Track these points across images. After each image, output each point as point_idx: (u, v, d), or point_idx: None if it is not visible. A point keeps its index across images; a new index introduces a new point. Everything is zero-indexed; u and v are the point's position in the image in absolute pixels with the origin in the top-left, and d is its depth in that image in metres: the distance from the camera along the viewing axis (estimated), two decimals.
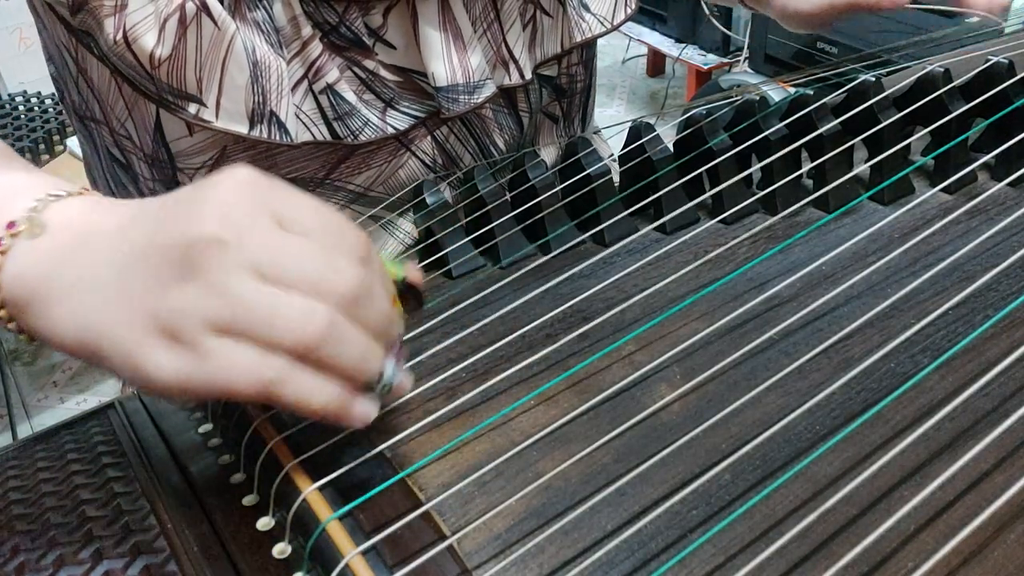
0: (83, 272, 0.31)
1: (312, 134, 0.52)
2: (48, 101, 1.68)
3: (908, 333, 0.38)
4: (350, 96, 0.52)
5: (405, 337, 0.39)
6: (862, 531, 0.32)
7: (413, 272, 0.38)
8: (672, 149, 0.51)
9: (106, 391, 1.89)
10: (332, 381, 0.31)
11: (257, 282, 0.29)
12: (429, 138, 0.57)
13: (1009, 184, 0.51)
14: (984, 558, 0.31)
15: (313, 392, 0.30)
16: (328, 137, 0.53)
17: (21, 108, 1.64)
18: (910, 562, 0.31)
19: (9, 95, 1.72)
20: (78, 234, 0.33)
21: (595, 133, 0.74)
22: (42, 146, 1.51)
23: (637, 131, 0.51)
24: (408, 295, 0.38)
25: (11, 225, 0.33)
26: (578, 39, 0.60)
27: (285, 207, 0.31)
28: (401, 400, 0.37)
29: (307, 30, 0.50)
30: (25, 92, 1.71)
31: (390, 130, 0.54)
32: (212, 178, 0.31)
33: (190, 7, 0.45)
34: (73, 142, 1.52)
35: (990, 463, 0.34)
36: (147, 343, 0.30)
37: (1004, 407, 0.37)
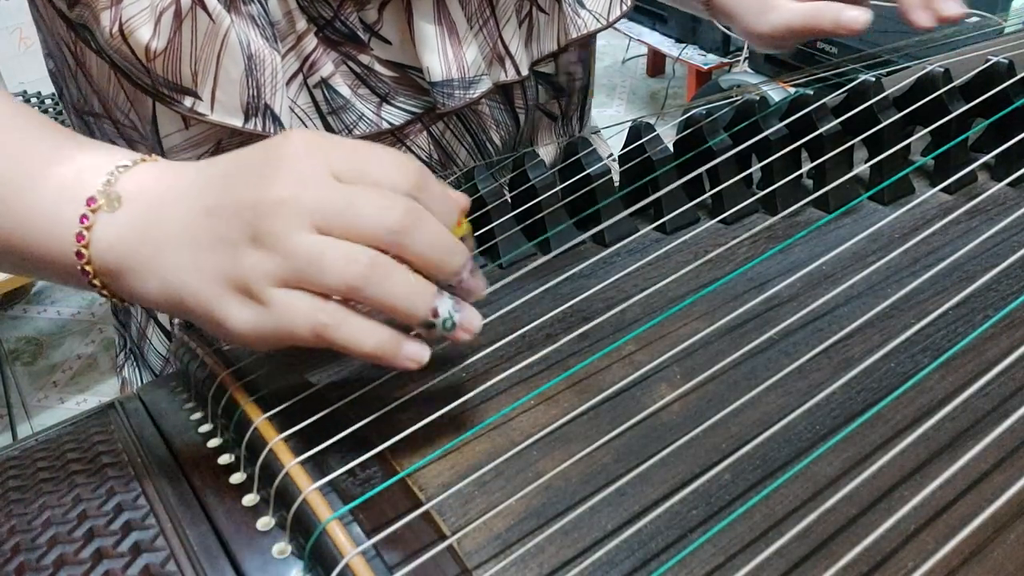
0: (163, 235, 0.34)
1: (306, 128, 0.52)
2: (48, 101, 1.68)
3: (908, 333, 0.38)
4: (344, 90, 0.52)
5: None
6: (862, 531, 0.32)
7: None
8: (672, 149, 0.51)
9: (106, 391, 1.89)
10: (383, 325, 0.33)
11: (311, 235, 0.32)
12: (425, 134, 0.57)
13: (1009, 184, 0.51)
14: (984, 558, 0.31)
15: (364, 335, 0.33)
16: (322, 131, 0.53)
17: None
18: (910, 562, 0.31)
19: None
20: (153, 200, 0.35)
21: (595, 133, 0.74)
22: None
23: (637, 131, 0.51)
24: None
25: (91, 201, 0.35)
26: (574, 35, 0.60)
27: (340, 160, 0.34)
28: (401, 399, 0.37)
29: (302, 24, 0.50)
30: (25, 92, 1.72)
31: (385, 125, 0.54)
32: (274, 142, 0.34)
33: (185, 1, 0.46)
34: None
35: (990, 463, 0.34)
36: (224, 299, 0.33)
37: (1004, 407, 0.37)
